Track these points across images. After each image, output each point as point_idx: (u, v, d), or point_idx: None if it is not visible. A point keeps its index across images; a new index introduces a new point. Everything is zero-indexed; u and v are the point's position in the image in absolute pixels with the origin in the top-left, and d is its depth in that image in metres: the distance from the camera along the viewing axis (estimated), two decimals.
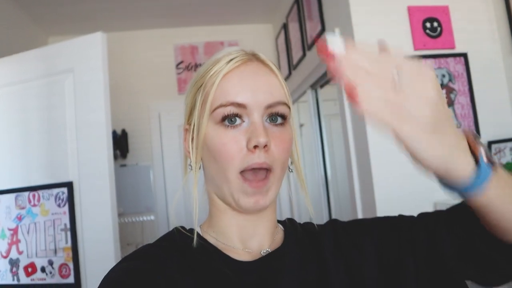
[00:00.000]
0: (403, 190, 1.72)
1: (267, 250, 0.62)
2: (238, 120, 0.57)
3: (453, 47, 1.83)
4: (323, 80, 2.37)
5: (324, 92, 2.61)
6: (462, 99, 1.80)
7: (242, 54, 0.59)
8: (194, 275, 0.56)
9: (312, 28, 2.31)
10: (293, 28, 2.66)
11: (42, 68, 1.68)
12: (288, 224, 0.69)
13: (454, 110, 1.78)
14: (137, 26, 3.15)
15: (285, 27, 2.89)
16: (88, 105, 1.58)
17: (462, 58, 1.83)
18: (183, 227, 0.64)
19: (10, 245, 1.68)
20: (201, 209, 0.62)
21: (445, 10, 1.84)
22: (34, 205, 1.65)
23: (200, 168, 0.64)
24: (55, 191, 1.61)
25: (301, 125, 3.13)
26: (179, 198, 0.68)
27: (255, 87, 0.58)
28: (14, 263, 1.67)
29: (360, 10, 1.80)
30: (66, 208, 1.58)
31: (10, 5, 2.55)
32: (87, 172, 1.57)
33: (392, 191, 1.72)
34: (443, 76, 1.79)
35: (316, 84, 2.46)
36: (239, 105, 0.56)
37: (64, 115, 1.62)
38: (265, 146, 0.55)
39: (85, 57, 1.60)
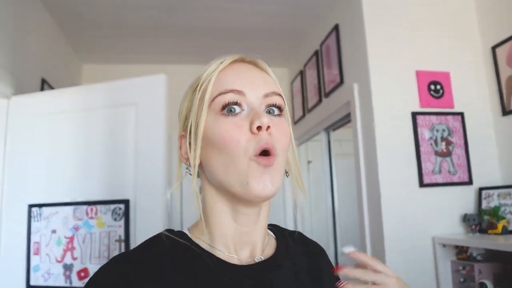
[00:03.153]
0: (407, 225, 2.01)
1: (260, 257, 0.63)
2: (237, 109, 0.58)
3: (452, 107, 2.17)
4: (337, 124, 2.69)
5: (333, 134, 2.92)
6: (458, 151, 2.13)
7: (234, 55, 0.63)
8: (188, 282, 0.56)
9: (330, 78, 2.65)
10: (311, 75, 3.01)
11: (108, 99, 1.96)
12: (276, 232, 0.72)
13: (451, 160, 2.10)
14: (165, 61, 3.46)
15: (301, 73, 3.23)
16: (148, 136, 1.86)
17: (459, 116, 2.16)
18: (170, 230, 0.64)
19: (65, 251, 1.91)
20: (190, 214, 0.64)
21: (446, 75, 2.19)
22: (91, 218, 1.89)
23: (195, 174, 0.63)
24: (112, 206, 1.86)
25: (309, 162, 3.44)
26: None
27: (251, 78, 0.61)
28: (68, 268, 1.89)
29: (376, 68, 2.14)
30: (121, 222, 1.83)
31: (56, 31, 2.85)
32: (143, 192, 1.83)
33: (398, 225, 2.00)
34: (443, 130, 2.12)
35: (329, 127, 2.78)
36: (238, 91, 0.58)
37: (125, 142, 1.89)
38: (268, 127, 0.56)
39: (148, 94, 1.89)
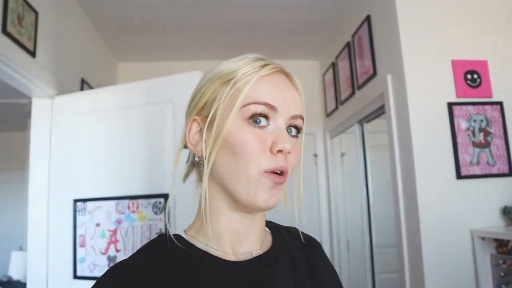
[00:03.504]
0: (444, 218, 1.99)
1: (258, 252, 0.63)
2: (263, 122, 0.58)
3: (490, 96, 2.11)
4: (370, 116, 2.67)
5: (367, 126, 2.90)
6: (497, 141, 2.07)
7: (274, 63, 0.62)
8: (186, 283, 0.56)
9: (362, 70, 2.63)
10: (343, 68, 2.99)
11: (145, 97, 2.03)
12: (272, 228, 0.73)
13: (490, 151, 2.05)
14: (199, 57, 3.52)
15: (334, 65, 3.22)
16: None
17: (498, 106, 2.10)
18: (163, 235, 0.64)
19: (108, 244, 2.01)
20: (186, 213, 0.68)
21: (484, 64, 2.13)
22: (133, 212, 1.98)
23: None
24: (152, 200, 1.93)
25: (342, 154, 3.43)
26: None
27: (286, 96, 0.60)
28: (111, 259, 1.99)
29: (410, 59, 2.10)
30: (162, 216, 1.90)
31: (94, 33, 2.97)
32: (181, 186, 1.89)
33: (435, 218, 1.98)
34: (481, 121, 2.07)
35: (363, 119, 2.77)
36: (272, 107, 0.58)
37: (163, 138, 1.95)
38: (288, 152, 0.58)
39: (184, 91, 1.93)
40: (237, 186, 0.58)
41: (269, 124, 0.58)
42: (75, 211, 2.04)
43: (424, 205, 1.98)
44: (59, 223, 2.06)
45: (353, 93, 2.81)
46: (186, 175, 0.73)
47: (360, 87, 2.68)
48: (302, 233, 0.74)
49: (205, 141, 0.61)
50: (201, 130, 0.62)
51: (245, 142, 0.57)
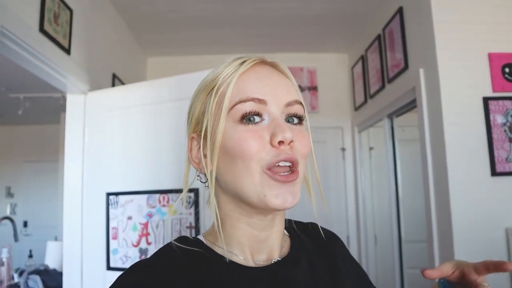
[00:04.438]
0: (477, 214, 1.94)
1: (277, 258, 0.61)
2: (257, 118, 0.55)
3: None
4: (401, 110, 2.61)
5: (396, 120, 2.85)
6: None
7: (253, 57, 0.59)
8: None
9: (393, 63, 2.58)
10: (373, 61, 2.94)
11: (174, 93, 2.05)
12: (290, 228, 0.70)
13: None
14: (227, 51, 3.52)
15: (363, 58, 3.17)
16: None
17: None
18: (184, 237, 0.62)
19: (140, 236, 2.05)
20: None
21: None
22: (164, 205, 2.01)
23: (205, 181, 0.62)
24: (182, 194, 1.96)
25: (371, 148, 3.38)
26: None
27: (273, 85, 0.57)
28: (143, 252, 2.04)
29: (444, 52, 2.04)
30: (192, 210, 1.93)
31: (124, 29, 3.02)
32: None
33: (468, 215, 1.93)
34: None
35: (393, 113, 2.71)
36: (260, 100, 0.55)
37: None
38: (291, 141, 0.54)
39: None
40: (245, 190, 0.55)
41: (263, 119, 0.56)
42: (108, 204, 2.10)
43: (457, 202, 1.94)
44: (92, 215, 2.12)
45: (383, 86, 2.76)
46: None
47: (390, 80, 2.63)
48: (321, 228, 0.71)
49: (205, 156, 0.59)
50: (200, 147, 0.59)
51: (241, 142, 0.54)
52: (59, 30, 1.86)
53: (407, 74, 2.39)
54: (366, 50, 3.08)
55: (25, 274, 2.96)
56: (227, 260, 0.57)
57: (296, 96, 0.59)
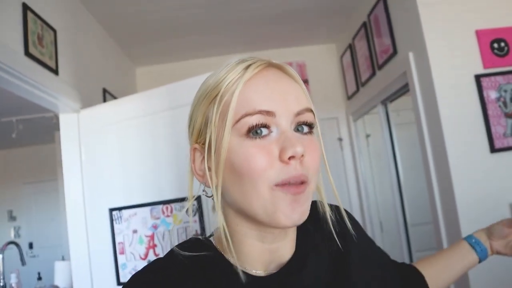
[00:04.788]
0: (480, 192, 1.94)
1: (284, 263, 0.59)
2: (265, 131, 0.51)
3: None
4: (394, 95, 2.61)
5: (390, 105, 2.84)
6: None
7: (259, 60, 0.55)
8: None
9: (382, 49, 2.57)
10: (361, 48, 2.93)
11: (167, 102, 2.04)
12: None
13: None
14: (214, 54, 3.51)
15: (351, 47, 3.16)
16: None
17: None
18: (197, 239, 0.62)
19: (147, 249, 2.05)
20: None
21: (511, 31, 2.06)
22: (168, 216, 2.01)
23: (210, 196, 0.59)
24: (185, 203, 1.96)
25: (368, 136, 3.39)
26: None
27: (282, 93, 0.53)
28: None
29: (432, 33, 2.04)
30: (196, 217, 1.93)
31: (111, 43, 3.01)
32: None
33: (472, 193, 1.94)
34: None
35: (386, 99, 2.71)
36: (268, 112, 0.51)
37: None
38: (302, 156, 0.50)
39: None
40: (254, 209, 0.52)
41: (271, 132, 0.52)
42: (111, 220, 2.09)
43: (459, 181, 1.94)
44: (97, 232, 2.11)
45: (373, 73, 2.76)
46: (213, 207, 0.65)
47: (380, 67, 2.62)
48: (325, 205, 0.65)
49: (209, 169, 0.55)
50: (204, 159, 0.55)
51: (248, 159, 0.50)
52: (45, 51, 1.84)
53: (397, 59, 2.39)
54: (353, 38, 3.08)
55: None
56: (239, 272, 0.54)
57: (306, 104, 0.55)
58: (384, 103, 2.78)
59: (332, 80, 3.59)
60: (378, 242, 3.28)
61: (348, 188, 3.48)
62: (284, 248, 0.59)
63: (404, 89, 2.42)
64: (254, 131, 0.51)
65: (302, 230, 0.63)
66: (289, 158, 0.50)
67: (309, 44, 3.58)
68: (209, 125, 0.54)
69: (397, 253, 2.90)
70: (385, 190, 3.15)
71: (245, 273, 0.55)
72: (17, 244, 2.56)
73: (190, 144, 0.60)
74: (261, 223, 0.53)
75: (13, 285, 3.00)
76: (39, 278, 2.94)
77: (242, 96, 0.52)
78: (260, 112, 0.50)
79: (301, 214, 0.51)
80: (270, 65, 0.56)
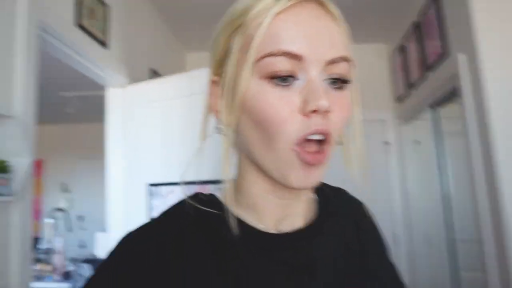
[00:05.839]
0: None
1: (301, 227, 0.54)
2: (290, 79, 0.45)
3: None
4: (443, 100, 2.45)
5: (443, 111, 2.66)
6: None
7: None
8: (222, 261, 0.49)
9: (433, 51, 2.43)
10: (412, 49, 2.79)
11: (187, 87, 2.06)
12: (321, 190, 0.60)
13: None
14: None
15: (401, 47, 3.02)
16: None
17: None
18: (199, 195, 0.58)
19: None
20: None
21: None
22: None
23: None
24: (222, 185, 1.96)
25: (417, 142, 3.16)
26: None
27: (315, 35, 0.45)
28: None
29: (487, 35, 1.90)
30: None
31: (163, 25, 3.08)
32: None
33: None
34: None
35: (434, 104, 2.56)
36: (294, 56, 0.44)
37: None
38: (326, 112, 0.44)
39: None
40: (266, 163, 0.47)
41: (297, 79, 0.45)
42: (149, 195, 2.13)
43: (510, 198, 1.78)
44: (135, 206, 2.17)
45: (424, 75, 2.61)
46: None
47: (431, 69, 2.48)
48: (350, 197, 0.64)
49: (223, 107, 0.50)
50: (223, 93, 0.50)
51: (265, 107, 0.44)
52: (96, 25, 1.92)
53: (447, 61, 2.24)
54: (404, 39, 2.94)
55: (76, 263, 3.12)
56: (246, 224, 0.51)
57: (342, 51, 0.47)
58: (433, 107, 2.62)
59: (380, 81, 3.44)
60: (423, 257, 3.01)
61: (390, 196, 3.30)
62: (298, 205, 0.54)
63: (454, 94, 2.26)
64: (277, 79, 0.45)
65: (326, 202, 0.59)
66: (312, 111, 0.44)
67: (358, 42, 3.45)
68: (230, 57, 0.48)
69: (443, 271, 2.70)
70: (433, 203, 2.93)
71: (255, 229, 0.51)
72: (64, 211, 2.70)
73: (210, 75, 0.54)
74: (271, 177, 0.49)
75: (58, 248, 3.21)
76: (82, 246, 3.10)
77: (268, 32, 0.45)
78: (286, 54, 0.44)
79: (316, 177, 0.47)
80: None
